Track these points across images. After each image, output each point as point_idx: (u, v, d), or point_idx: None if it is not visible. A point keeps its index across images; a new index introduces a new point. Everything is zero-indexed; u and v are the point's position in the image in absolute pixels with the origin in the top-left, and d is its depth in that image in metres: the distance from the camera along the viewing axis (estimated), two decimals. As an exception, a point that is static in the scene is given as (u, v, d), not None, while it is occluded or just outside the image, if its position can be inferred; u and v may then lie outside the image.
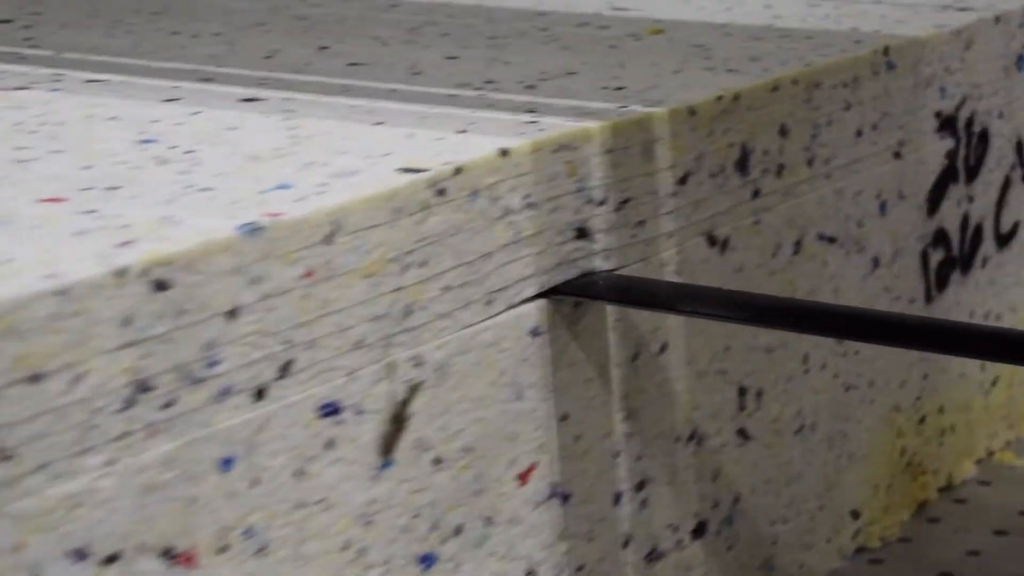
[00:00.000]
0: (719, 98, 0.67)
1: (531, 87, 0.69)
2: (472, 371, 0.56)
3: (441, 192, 0.54)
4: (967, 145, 0.84)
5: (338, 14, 0.89)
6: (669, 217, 0.64)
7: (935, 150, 0.82)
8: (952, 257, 0.84)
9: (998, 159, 0.87)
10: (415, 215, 0.53)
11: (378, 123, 0.62)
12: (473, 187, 0.56)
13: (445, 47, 0.79)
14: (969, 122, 0.84)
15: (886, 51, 0.77)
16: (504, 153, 0.57)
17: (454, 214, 0.55)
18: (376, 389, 0.53)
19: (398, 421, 0.54)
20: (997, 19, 0.85)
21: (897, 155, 0.79)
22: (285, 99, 0.66)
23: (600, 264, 0.61)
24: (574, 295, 0.60)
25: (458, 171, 0.55)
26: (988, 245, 0.87)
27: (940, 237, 0.83)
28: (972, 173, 0.85)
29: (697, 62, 0.73)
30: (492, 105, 0.65)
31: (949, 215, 0.83)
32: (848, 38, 0.78)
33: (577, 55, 0.76)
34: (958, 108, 0.83)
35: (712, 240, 0.67)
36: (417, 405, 0.54)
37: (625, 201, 0.62)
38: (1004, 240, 0.89)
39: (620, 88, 0.68)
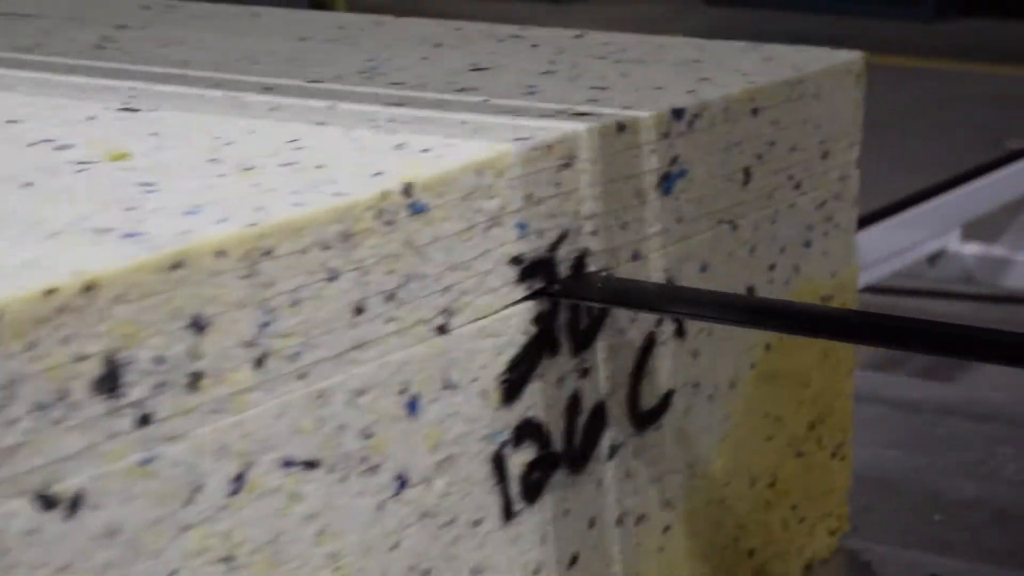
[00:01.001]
0: (48, 293, 0.45)
1: None
2: None
3: None
4: (574, 304, 0.62)
5: None
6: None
7: (512, 313, 0.60)
8: (551, 454, 0.62)
9: (632, 313, 0.65)
10: None
11: None
12: None
13: None
14: (577, 265, 0.62)
15: (407, 190, 0.55)
16: None
17: None
18: None
19: None
20: (622, 127, 0.64)
21: (442, 329, 0.57)
22: None
23: None
24: None
25: None
26: (619, 429, 0.66)
27: (527, 431, 0.61)
28: (585, 338, 0.63)
29: (107, 216, 0.51)
30: None
31: (542, 399, 0.62)
32: (365, 172, 0.56)
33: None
34: (552, 248, 0.61)
35: (49, 502, 0.45)
36: None
37: None
38: (647, 419, 0.67)
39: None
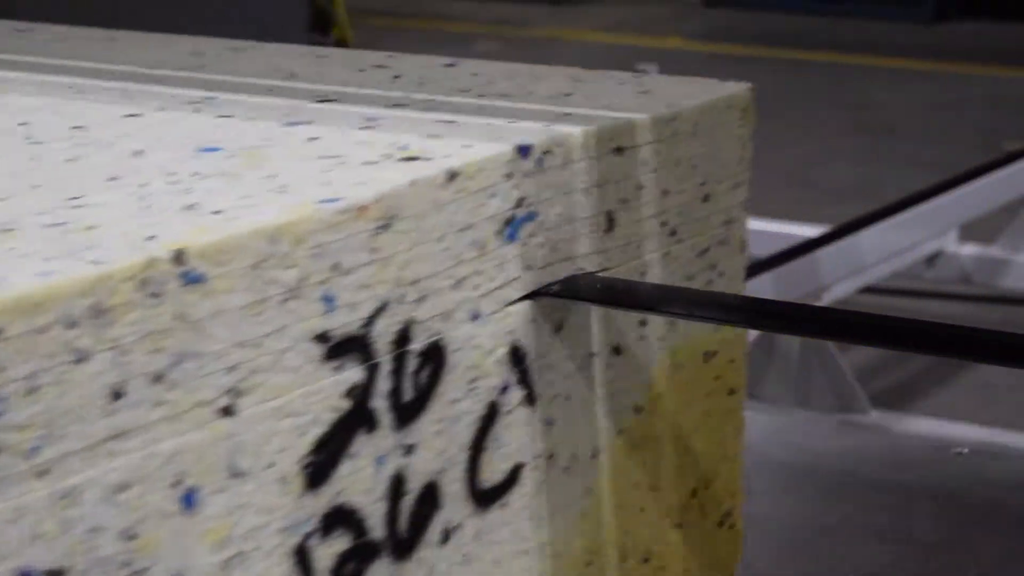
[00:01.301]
0: None
1: None
2: None
3: None
4: (396, 373, 0.56)
5: None
6: None
7: (318, 389, 0.53)
8: (369, 543, 0.56)
9: (469, 381, 0.59)
10: None
11: None
12: None
13: None
14: (401, 338, 0.56)
15: (179, 258, 0.49)
16: None
17: None
18: None
19: None
20: (452, 175, 0.57)
21: (227, 411, 0.50)
22: None
23: None
24: None
25: None
26: (455, 509, 0.59)
27: (338, 518, 0.55)
28: (411, 410, 0.57)
29: None
30: None
31: (356, 482, 0.55)
32: (139, 236, 0.50)
33: None
34: (369, 321, 0.55)
35: None
36: None
37: None
38: (490, 496, 0.61)
39: None
